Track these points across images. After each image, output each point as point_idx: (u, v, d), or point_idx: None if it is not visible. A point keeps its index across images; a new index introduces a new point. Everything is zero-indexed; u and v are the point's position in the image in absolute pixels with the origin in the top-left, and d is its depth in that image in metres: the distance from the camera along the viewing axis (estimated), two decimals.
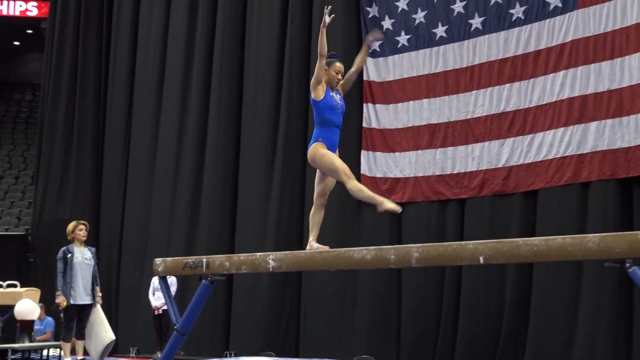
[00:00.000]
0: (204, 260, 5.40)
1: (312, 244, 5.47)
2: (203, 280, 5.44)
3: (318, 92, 5.43)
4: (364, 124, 10.60)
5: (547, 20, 9.33)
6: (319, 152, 5.40)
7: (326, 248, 5.29)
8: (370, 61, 10.61)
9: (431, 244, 4.92)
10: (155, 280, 10.20)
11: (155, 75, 13.02)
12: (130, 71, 13.50)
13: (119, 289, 12.84)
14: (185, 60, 12.61)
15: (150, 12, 13.30)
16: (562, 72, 9.14)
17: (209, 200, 11.93)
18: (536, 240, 4.23)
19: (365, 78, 10.62)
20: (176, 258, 5.77)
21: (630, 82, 8.58)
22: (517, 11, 9.59)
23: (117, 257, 13.03)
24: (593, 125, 8.82)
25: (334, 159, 5.38)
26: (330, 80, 5.49)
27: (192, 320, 5.60)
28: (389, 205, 5.09)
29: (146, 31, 13.30)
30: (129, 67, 13.52)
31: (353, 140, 10.54)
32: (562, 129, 9.06)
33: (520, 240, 4.29)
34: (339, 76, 5.53)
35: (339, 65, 5.52)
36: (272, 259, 5.12)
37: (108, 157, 13.63)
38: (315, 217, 5.58)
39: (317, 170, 5.55)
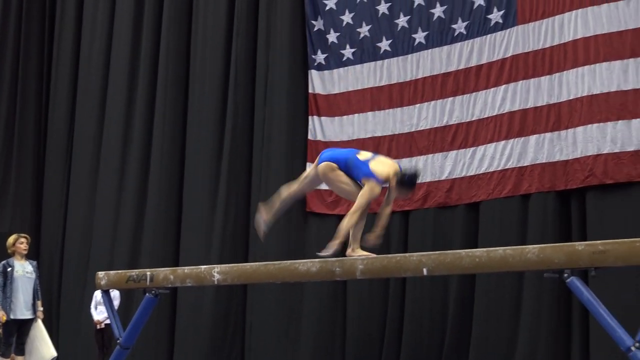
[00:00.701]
0: (148, 273, 5.36)
1: (261, 208, 5.75)
2: (147, 294, 5.40)
3: (377, 186, 5.53)
4: (310, 137, 10.64)
5: (489, 36, 9.51)
6: (338, 171, 5.68)
7: (261, 230, 5.66)
8: (315, 74, 10.67)
9: (375, 255, 4.97)
10: (97, 294, 10.04)
11: (99, 86, 12.83)
12: (73, 81, 13.29)
13: (60, 303, 12.59)
14: (130, 71, 12.46)
15: (94, 21, 13.12)
16: (502, 87, 9.32)
17: (153, 212, 11.79)
18: (478, 251, 4.31)
19: (310, 91, 10.69)
20: (119, 271, 5.72)
21: (568, 97, 8.79)
22: (460, 26, 9.76)
23: (58, 270, 12.79)
24: (533, 138, 9.02)
25: (351, 181, 5.64)
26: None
27: (135, 334, 5.55)
28: (333, 249, 5.20)
29: (89, 40, 13.12)
30: (71, 77, 13.30)
31: (298, 153, 10.60)
32: (503, 142, 9.24)
33: (462, 251, 4.37)
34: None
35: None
36: (217, 272, 5.11)
37: (49, 169, 13.39)
38: (284, 193, 5.91)
39: (309, 178, 5.92)
